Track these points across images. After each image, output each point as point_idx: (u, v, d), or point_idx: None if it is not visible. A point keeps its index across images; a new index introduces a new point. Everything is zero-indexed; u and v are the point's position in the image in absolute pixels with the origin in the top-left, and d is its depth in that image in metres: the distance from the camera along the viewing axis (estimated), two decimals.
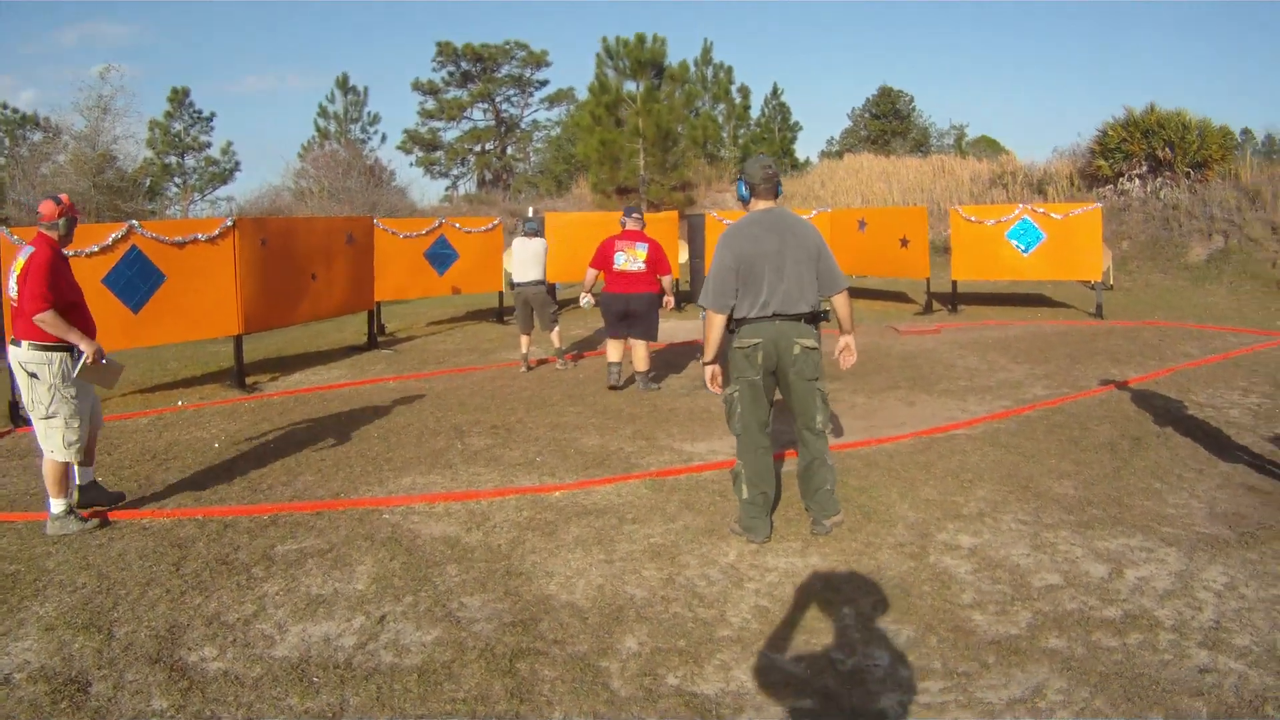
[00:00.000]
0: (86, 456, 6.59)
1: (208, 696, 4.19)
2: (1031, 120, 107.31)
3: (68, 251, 9.26)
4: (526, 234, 12.70)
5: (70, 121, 33.78)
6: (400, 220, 18.14)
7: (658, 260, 10.72)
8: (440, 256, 16.73)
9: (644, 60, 31.16)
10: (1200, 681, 4.11)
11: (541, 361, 12.92)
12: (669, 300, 10.96)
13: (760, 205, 5.96)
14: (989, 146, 45.26)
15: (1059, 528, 6.06)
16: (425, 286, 16.85)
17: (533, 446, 8.43)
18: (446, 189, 53.24)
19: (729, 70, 43.55)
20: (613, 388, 10.87)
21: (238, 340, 11.87)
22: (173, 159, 45.33)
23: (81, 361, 6.22)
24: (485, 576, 5.43)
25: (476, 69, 52.26)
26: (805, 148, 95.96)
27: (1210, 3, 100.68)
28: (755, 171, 5.96)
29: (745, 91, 45.79)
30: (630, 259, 10.66)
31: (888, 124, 53.77)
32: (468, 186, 52.55)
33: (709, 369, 6.01)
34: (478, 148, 53.12)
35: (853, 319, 6.06)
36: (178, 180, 45.11)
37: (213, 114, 47.04)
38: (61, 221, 6.36)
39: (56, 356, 6.20)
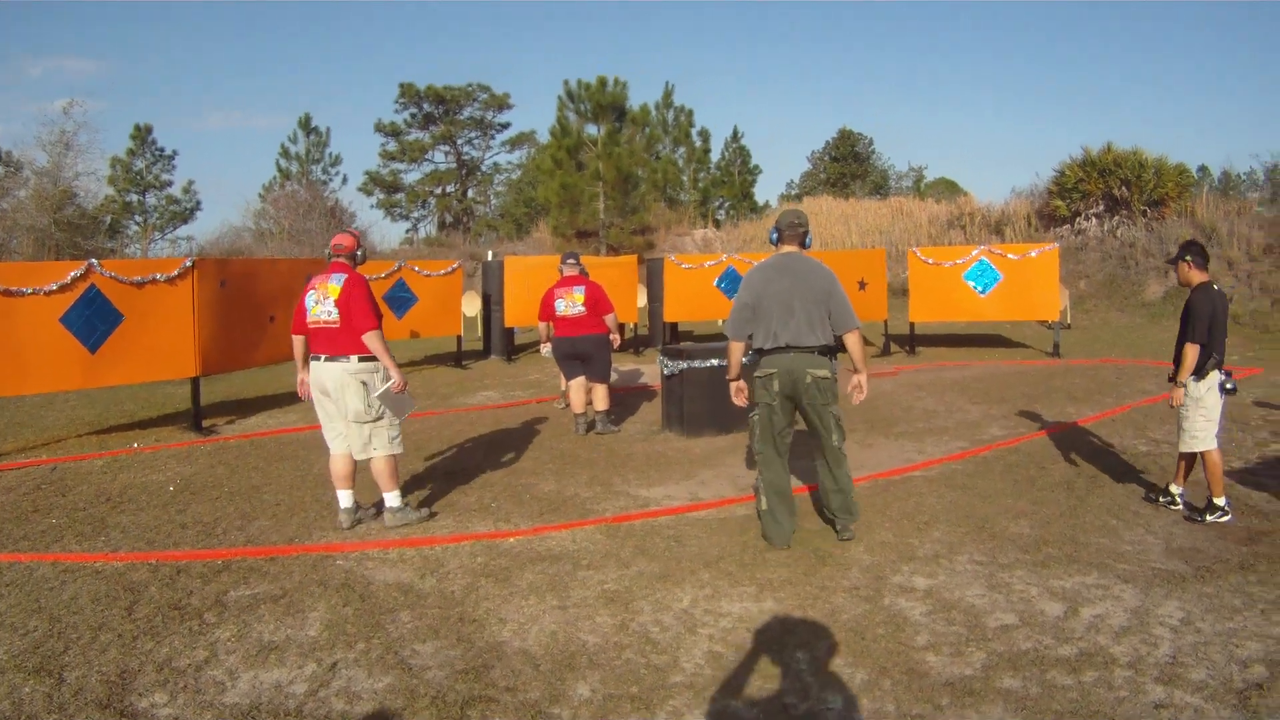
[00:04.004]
0: (346, 481, 7.32)
1: None
2: (990, 161, 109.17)
3: (23, 289, 9.68)
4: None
5: (32, 156, 33.58)
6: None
7: (597, 300, 10.86)
8: (399, 300, 16.58)
9: (605, 103, 31.21)
10: (1156, 717, 4.10)
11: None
12: (615, 338, 11.07)
13: (786, 249, 6.71)
14: (948, 188, 45.83)
15: (1015, 567, 6.05)
16: (383, 330, 16.50)
17: (489, 492, 8.34)
18: (407, 231, 53.33)
19: (690, 113, 43.77)
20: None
21: (195, 382, 11.74)
22: (134, 197, 44.98)
23: (387, 386, 7.03)
24: (438, 623, 5.36)
25: (439, 111, 52.26)
26: (765, 191, 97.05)
27: (1169, 41, 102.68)
28: (786, 220, 6.75)
29: (706, 135, 45.86)
30: (570, 304, 10.82)
31: (847, 166, 54.41)
32: (428, 229, 52.60)
33: (733, 384, 6.73)
34: (439, 190, 53.06)
35: (865, 358, 6.70)
36: (138, 218, 44.83)
37: (175, 152, 46.69)
38: (359, 252, 7.34)
39: (380, 366, 7.06)
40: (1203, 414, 7.09)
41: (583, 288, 10.87)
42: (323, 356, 7.05)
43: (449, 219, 52.08)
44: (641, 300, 21.19)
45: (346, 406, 7.05)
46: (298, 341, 7.26)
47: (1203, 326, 6.98)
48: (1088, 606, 5.37)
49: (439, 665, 4.82)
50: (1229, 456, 8.85)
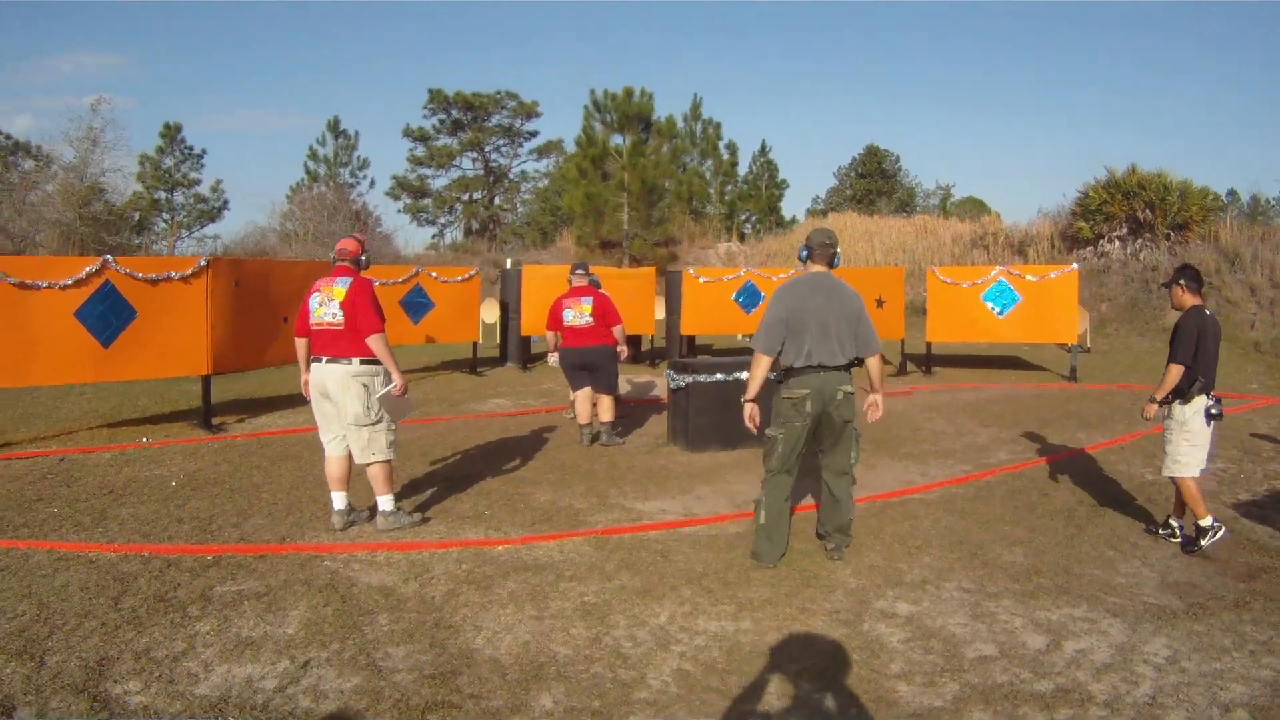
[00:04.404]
0: (341, 483, 7.39)
1: None
2: (1019, 182, 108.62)
3: (39, 283, 9.85)
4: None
5: (60, 151, 33.92)
6: (377, 268, 18.02)
7: (605, 312, 10.88)
8: (415, 305, 16.63)
9: (631, 114, 31.19)
10: None
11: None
12: (623, 350, 11.10)
13: (815, 268, 6.70)
14: (975, 207, 45.59)
15: (1002, 596, 5.98)
16: (398, 335, 16.34)
17: (484, 500, 8.35)
18: (433, 237, 53.36)
19: (718, 126, 43.91)
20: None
21: (206, 380, 11.86)
22: (162, 194, 45.34)
23: (388, 389, 7.10)
24: (414, 627, 5.39)
25: (467, 117, 52.38)
26: (792, 206, 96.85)
27: (1201, 64, 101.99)
28: (816, 240, 6.73)
29: (733, 148, 46.01)
30: (578, 314, 10.87)
31: (873, 183, 54.21)
32: (455, 235, 52.64)
33: (748, 406, 6.60)
34: (466, 196, 53.17)
35: (883, 379, 6.83)
36: (166, 216, 45.18)
37: (203, 151, 47.10)
38: (364, 257, 7.43)
39: (381, 369, 7.12)
40: (1186, 439, 7.04)
41: (591, 298, 10.90)
42: (325, 358, 7.13)
43: (475, 225, 52.17)
44: (660, 312, 21.15)
45: (347, 409, 7.11)
46: (300, 343, 7.34)
47: (1187, 348, 6.95)
48: (1072, 640, 5.30)
49: (408, 669, 4.84)
50: (1236, 488, 8.80)
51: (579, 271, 11.28)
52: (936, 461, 10.04)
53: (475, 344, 18.11)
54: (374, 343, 7.00)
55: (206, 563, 6.41)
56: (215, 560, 6.47)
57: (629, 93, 31.04)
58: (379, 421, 7.19)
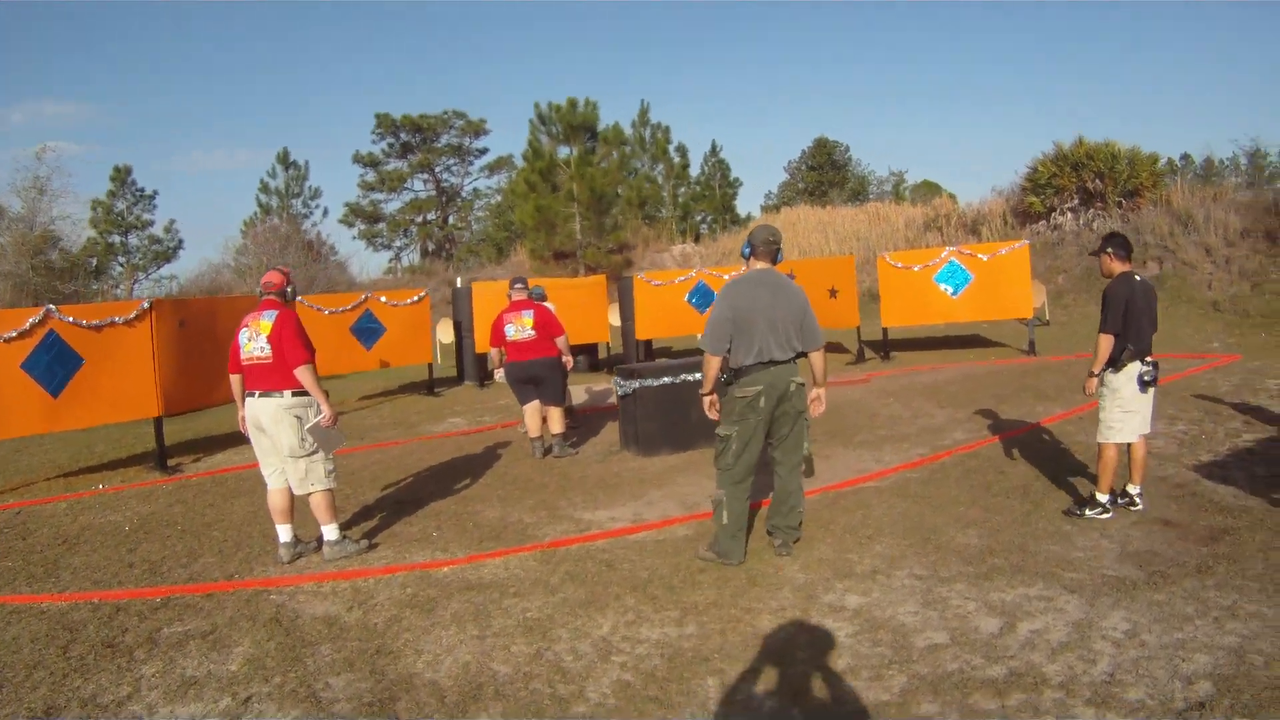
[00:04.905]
0: (285, 516, 7.30)
1: None
2: (973, 163, 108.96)
3: None
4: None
5: (8, 203, 33.52)
6: (326, 296, 18.07)
7: (547, 324, 10.77)
8: (367, 331, 16.62)
9: (576, 124, 31.16)
10: None
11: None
12: (568, 360, 10.98)
13: (758, 265, 6.61)
14: (930, 191, 45.59)
15: (955, 581, 5.78)
16: (353, 362, 16.67)
17: (433, 521, 8.21)
18: (390, 260, 53.09)
19: (666, 130, 43.69)
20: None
21: (158, 422, 11.78)
22: (116, 238, 45.00)
23: (317, 420, 6.99)
24: (355, 656, 5.30)
25: (416, 139, 52.09)
26: (747, 203, 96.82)
27: (1147, 31, 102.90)
28: (759, 237, 6.64)
29: (683, 150, 45.69)
30: (519, 328, 10.76)
31: (824, 175, 54.20)
32: (411, 258, 52.40)
33: (706, 399, 6.62)
34: (419, 218, 52.89)
35: (826, 373, 6.66)
36: (121, 260, 44.78)
37: (155, 192, 46.97)
38: (289, 289, 7.34)
39: (313, 401, 7.01)
40: (1119, 405, 6.88)
41: (531, 311, 10.80)
42: (257, 393, 7.06)
43: (431, 246, 51.90)
44: (615, 319, 21.02)
45: (281, 442, 7.04)
46: (235, 380, 7.28)
47: (1115, 316, 6.79)
48: (1026, 621, 5.10)
49: (348, 698, 4.77)
50: (1198, 449, 8.63)
51: (518, 286, 11.17)
52: (891, 447, 9.85)
53: (430, 365, 18.04)
54: (302, 374, 6.93)
55: (154, 605, 6.34)
56: (164, 602, 6.40)
57: (573, 103, 31.05)
58: (315, 452, 7.11)
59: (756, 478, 6.63)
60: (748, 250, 6.69)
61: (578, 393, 12.99)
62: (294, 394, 7.01)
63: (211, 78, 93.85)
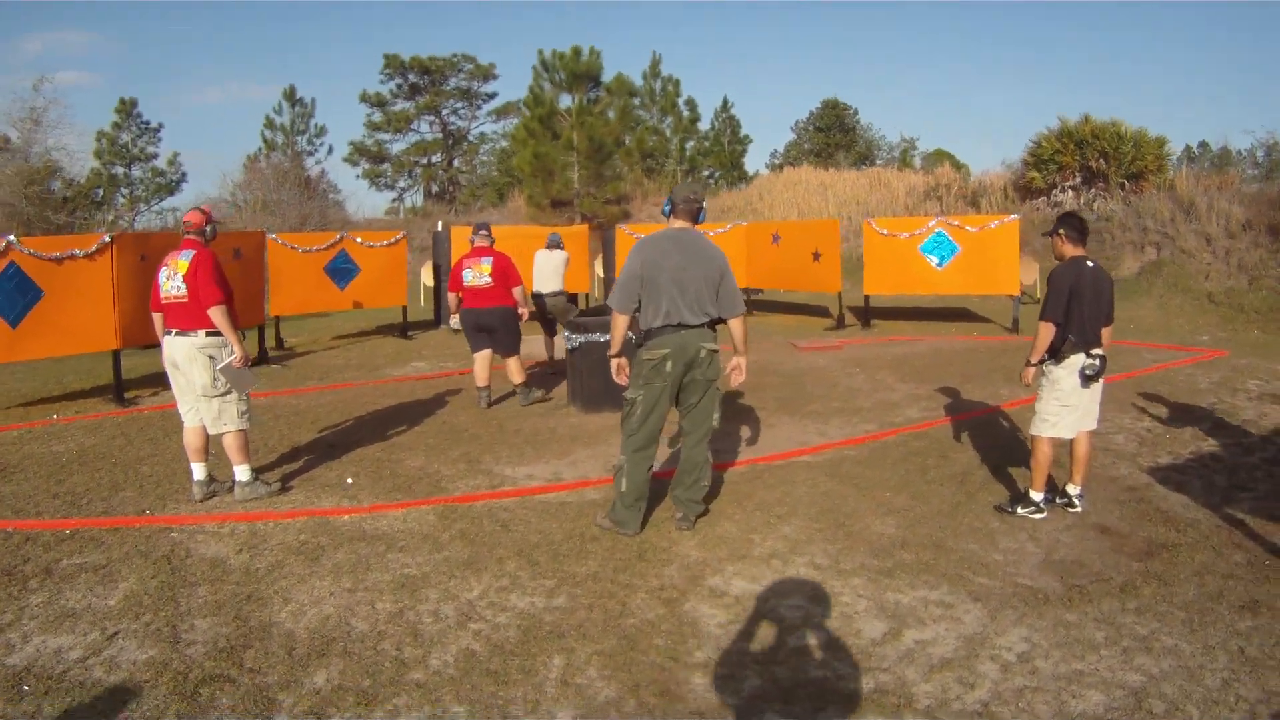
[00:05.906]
0: (200, 454, 7.35)
1: None
2: (992, 134, 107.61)
3: None
4: (548, 247, 13.80)
5: (8, 133, 33.19)
6: (300, 235, 18.00)
7: (505, 272, 10.54)
8: (341, 271, 16.74)
9: (580, 73, 30.60)
10: None
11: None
12: (523, 312, 10.74)
13: (677, 224, 6.33)
14: (941, 160, 44.88)
15: (854, 574, 5.37)
16: (326, 301, 16.86)
17: (353, 467, 8.14)
18: (393, 201, 52.73)
19: (677, 83, 42.94)
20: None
21: (116, 355, 11.82)
22: (119, 170, 44.63)
23: (228, 360, 7.04)
24: (226, 600, 5.29)
25: (424, 81, 51.42)
26: (755, 161, 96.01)
27: (1173, 15, 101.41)
28: (680, 194, 6.39)
29: (693, 104, 44.92)
30: (477, 275, 10.56)
31: (831, 137, 53.38)
32: (414, 199, 51.99)
33: (614, 361, 6.38)
34: (424, 160, 52.40)
35: (747, 341, 6.39)
36: (124, 191, 44.51)
37: (160, 125, 46.37)
38: (209, 228, 7.41)
39: (226, 342, 7.08)
40: (1056, 398, 6.40)
41: (490, 259, 10.58)
42: (173, 331, 7.15)
43: (434, 189, 51.44)
44: (600, 270, 20.73)
45: (195, 381, 7.13)
46: (156, 318, 7.36)
47: (1058, 303, 6.27)
48: (915, 629, 4.67)
49: (204, 641, 4.76)
50: (1158, 450, 8.14)
51: (481, 232, 10.95)
52: (840, 420, 9.44)
53: (404, 308, 18.11)
54: (214, 314, 6.99)
55: (62, 536, 6.39)
56: (71, 534, 6.44)
57: (577, 52, 30.55)
58: (228, 392, 7.21)
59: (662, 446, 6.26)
60: (668, 208, 6.40)
61: (558, 344, 12.75)
62: (207, 334, 7.06)
63: (222, 11, 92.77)
